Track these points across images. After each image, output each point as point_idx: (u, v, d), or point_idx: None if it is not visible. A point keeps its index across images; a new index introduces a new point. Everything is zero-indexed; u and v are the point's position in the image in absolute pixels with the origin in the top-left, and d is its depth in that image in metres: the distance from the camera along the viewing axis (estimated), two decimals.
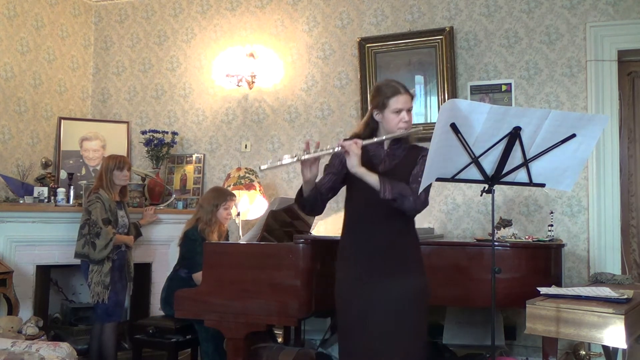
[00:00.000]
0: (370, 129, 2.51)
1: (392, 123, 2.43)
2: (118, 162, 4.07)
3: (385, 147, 2.52)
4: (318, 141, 2.44)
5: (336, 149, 2.37)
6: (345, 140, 2.39)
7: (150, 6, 5.44)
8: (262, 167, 2.39)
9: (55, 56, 5.19)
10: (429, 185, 2.29)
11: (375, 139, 2.42)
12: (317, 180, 2.46)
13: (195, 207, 4.66)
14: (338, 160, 2.51)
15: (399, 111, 2.41)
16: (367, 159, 2.44)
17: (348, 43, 4.78)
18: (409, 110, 2.44)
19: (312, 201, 2.48)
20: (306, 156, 2.31)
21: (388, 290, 2.39)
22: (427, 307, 2.48)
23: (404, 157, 2.49)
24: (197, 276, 3.80)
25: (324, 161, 2.52)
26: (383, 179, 2.34)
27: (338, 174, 2.50)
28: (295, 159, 2.32)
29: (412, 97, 2.47)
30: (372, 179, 2.34)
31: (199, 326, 3.69)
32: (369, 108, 2.53)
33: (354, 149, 2.33)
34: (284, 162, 2.34)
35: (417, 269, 2.48)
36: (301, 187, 2.48)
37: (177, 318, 3.53)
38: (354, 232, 2.50)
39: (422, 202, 2.36)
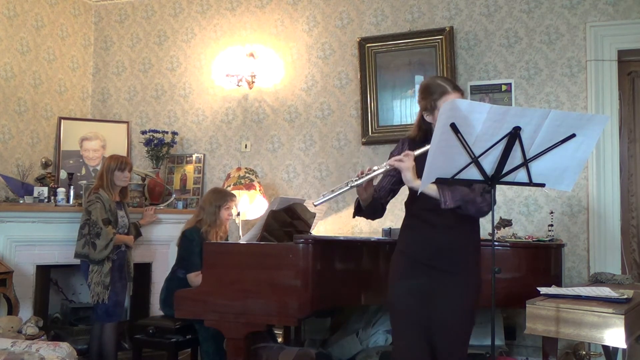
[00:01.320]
0: (423, 131, 2.45)
1: None
2: (119, 163, 4.06)
3: None
4: (369, 167, 2.39)
5: (387, 167, 2.32)
6: (394, 156, 2.33)
7: (150, 6, 5.44)
8: (316, 203, 2.36)
9: (55, 56, 5.20)
10: (494, 188, 2.21)
11: (427, 147, 2.28)
12: (374, 184, 2.43)
13: (195, 207, 4.67)
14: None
15: None
16: (422, 165, 2.25)
17: (348, 43, 4.77)
18: None
19: (372, 209, 2.48)
20: (357, 182, 2.31)
21: (447, 293, 2.37)
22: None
23: None
24: (192, 276, 3.80)
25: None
26: (442, 187, 2.27)
27: (396, 175, 2.46)
28: (348, 187, 2.31)
29: (462, 93, 2.40)
30: (431, 190, 2.27)
31: (199, 326, 3.69)
32: (419, 109, 2.47)
33: (405, 165, 2.27)
34: (337, 192, 2.33)
35: (476, 270, 2.45)
36: (358, 200, 2.46)
37: (177, 318, 3.52)
38: (416, 233, 2.47)
39: (488, 203, 2.27)
